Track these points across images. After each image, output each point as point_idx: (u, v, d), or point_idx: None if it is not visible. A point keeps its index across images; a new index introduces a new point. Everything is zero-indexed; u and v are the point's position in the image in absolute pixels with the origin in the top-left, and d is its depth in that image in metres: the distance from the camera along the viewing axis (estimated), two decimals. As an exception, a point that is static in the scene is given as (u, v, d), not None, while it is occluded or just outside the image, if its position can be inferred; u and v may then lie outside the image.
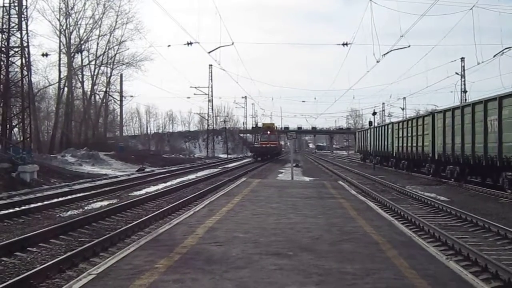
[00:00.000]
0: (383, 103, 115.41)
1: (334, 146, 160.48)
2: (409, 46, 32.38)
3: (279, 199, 16.88)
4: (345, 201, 16.54)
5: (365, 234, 10.39)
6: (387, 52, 32.93)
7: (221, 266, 7.51)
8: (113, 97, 72.29)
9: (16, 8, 32.09)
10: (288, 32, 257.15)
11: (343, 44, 36.02)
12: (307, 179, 34.17)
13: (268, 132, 74.44)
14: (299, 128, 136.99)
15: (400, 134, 41.39)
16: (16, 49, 33.07)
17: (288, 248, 8.82)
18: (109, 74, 69.63)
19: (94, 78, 67.97)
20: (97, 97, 71.91)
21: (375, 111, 66.22)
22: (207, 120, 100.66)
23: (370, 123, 59.98)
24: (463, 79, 73.77)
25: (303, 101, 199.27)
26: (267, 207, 14.59)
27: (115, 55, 68.64)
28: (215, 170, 46.04)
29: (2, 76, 34.62)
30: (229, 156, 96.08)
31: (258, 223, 11.68)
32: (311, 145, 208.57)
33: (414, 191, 24.48)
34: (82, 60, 66.68)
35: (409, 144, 38.25)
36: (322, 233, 10.41)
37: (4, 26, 33.04)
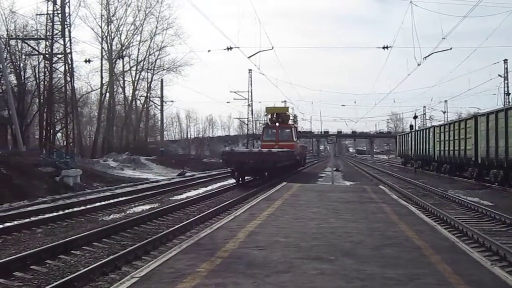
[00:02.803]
0: (424, 107, 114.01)
1: (374, 150, 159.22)
2: (450, 48, 31.97)
3: (320, 203, 16.80)
4: (386, 205, 16.36)
5: (407, 239, 10.27)
6: (429, 55, 32.59)
7: (263, 271, 7.51)
8: (154, 102, 73.12)
9: (59, 15, 32.70)
10: (327, 36, 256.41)
11: (384, 47, 35.70)
12: (347, 183, 33.98)
13: (277, 124, 42.76)
14: (339, 132, 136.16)
15: (442, 138, 40.86)
16: (60, 56, 33.67)
17: (329, 253, 8.78)
18: (149, 80, 70.46)
19: (135, 84, 68.87)
20: (138, 102, 72.82)
21: (416, 114, 65.57)
22: (247, 124, 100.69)
23: (411, 126, 59.43)
24: (506, 81, 72.37)
25: (343, 105, 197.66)
26: (307, 212, 14.53)
27: (155, 60, 69.45)
28: (255, 174, 45.99)
29: (46, 82, 35.28)
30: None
31: (299, 227, 11.64)
32: (351, 149, 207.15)
33: (456, 195, 24.11)
34: (123, 66, 67.66)
35: (451, 148, 37.73)
36: (364, 237, 10.32)
37: (48, 33, 33.69)
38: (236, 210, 15.63)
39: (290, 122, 45.86)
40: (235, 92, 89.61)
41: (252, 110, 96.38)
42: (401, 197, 22.59)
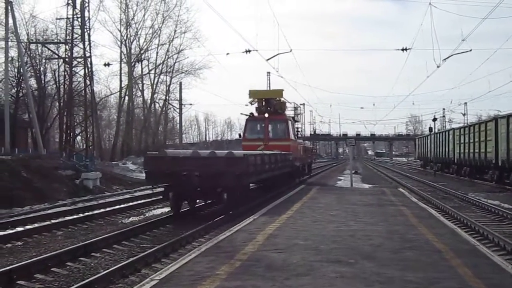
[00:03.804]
0: (444, 109, 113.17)
1: (393, 152, 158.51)
2: (470, 50, 31.65)
3: (339, 206, 16.78)
4: (406, 208, 16.31)
5: (427, 242, 10.23)
6: (448, 57, 32.27)
7: (282, 273, 7.51)
8: (173, 105, 73.09)
9: (79, 19, 32.97)
10: (346, 38, 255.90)
11: (403, 50, 35.45)
12: (366, 186, 33.86)
13: (266, 115, 29.41)
14: (358, 134, 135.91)
15: (462, 140, 40.58)
16: (79, 59, 33.93)
17: (349, 256, 8.76)
18: (168, 83, 70.49)
19: (154, 87, 68.97)
20: (157, 105, 72.93)
21: (436, 117, 65.14)
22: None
23: (430, 129, 59.10)
24: (527, 83, 71.59)
25: (361, 108, 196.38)
26: (326, 214, 14.53)
27: (174, 63, 69.49)
28: (274, 177, 45.92)
29: (65, 86, 35.58)
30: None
31: (318, 230, 11.65)
32: (370, 152, 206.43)
33: (477, 198, 23.92)
34: (142, 69, 67.82)
35: (471, 151, 37.44)
36: (383, 240, 10.29)
37: (68, 37, 33.97)
38: (255, 213, 15.59)
39: (289, 113, 32.58)
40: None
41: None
42: (421, 199, 22.48)
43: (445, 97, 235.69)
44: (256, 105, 30.47)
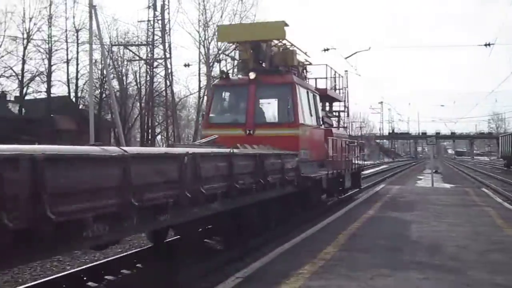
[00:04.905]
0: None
1: (474, 151, 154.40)
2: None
3: (420, 206, 16.50)
4: (491, 209, 15.86)
5: (515, 244, 9.94)
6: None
7: (366, 274, 7.46)
8: (249, 105, 73.71)
9: (159, 22, 33.77)
10: (425, 35, 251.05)
11: (485, 45, 34.50)
12: (447, 185, 33.12)
13: (251, 76, 14.19)
14: (437, 133, 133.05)
15: (549, 139, 39.18)
16: (160, 61, 34.76)
17: (433, 257, 8.62)
18: (246, 82, 71.13)
19: (232, 86, 69.69)
20: (234, 104, 73.71)
21: (520, 114, 63.08)
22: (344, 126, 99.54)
23: (515, 127, 57.24)
24: None
25: (441, 105, 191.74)
26: (408, 214, 14.31)
27: (251, 63, 70.01)
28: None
29: (146, 87, 36.51)
30: (364, 162, 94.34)
31: (400, 230, 11.50)
32: (450, 151, 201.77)
33: None
34: (220, 69, 68.65)
35: (559, 149, 36.10)
36: (469, 242, 10.06)
37: (149, 39, 34.87)
38: (336, 212, 15.50)
39: (308, 75, 19.33)
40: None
41: (348, 112, 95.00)
42: (506, 200, 21.78)
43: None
44: (237, 57, 17.45)
